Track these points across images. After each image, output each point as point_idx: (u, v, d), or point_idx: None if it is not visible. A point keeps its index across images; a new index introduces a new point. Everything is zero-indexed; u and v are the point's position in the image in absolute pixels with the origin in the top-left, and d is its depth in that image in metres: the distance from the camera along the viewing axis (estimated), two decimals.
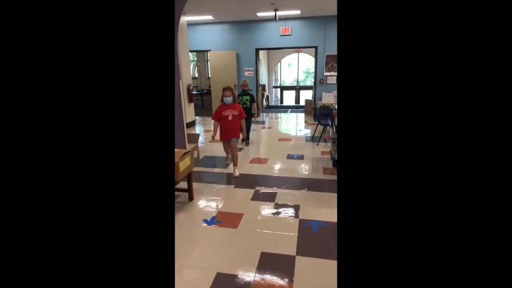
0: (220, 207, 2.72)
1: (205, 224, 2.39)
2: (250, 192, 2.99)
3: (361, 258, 0.66)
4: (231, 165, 3.64)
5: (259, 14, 6.23)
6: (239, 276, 1.77)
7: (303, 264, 1.87)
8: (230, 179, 3.39)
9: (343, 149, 0.69)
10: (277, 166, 3.77)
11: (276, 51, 9.10)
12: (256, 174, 3.50)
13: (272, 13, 5.90)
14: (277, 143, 4.97)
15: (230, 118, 3.33)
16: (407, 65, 0.63)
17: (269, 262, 1.88)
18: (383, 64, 0.64)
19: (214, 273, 1.79)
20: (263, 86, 9.01)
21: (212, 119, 3.53)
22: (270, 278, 1.74)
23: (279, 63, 11.98)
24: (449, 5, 0.60)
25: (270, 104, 10.05)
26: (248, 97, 4.58)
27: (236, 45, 7.13)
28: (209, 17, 6.46)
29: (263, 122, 6.90)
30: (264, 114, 8.07)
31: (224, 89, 3.33)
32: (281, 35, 6.88)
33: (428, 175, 0.63)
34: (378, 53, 0.64)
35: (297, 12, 6.04)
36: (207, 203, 2.80)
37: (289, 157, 4.15)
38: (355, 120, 0.67)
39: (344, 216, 0.68)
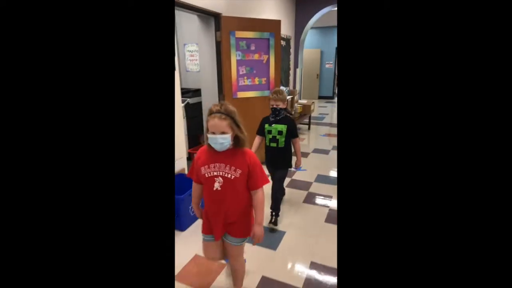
0: None
1: None
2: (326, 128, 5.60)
3: (362, 258, 0.66)
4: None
5: None
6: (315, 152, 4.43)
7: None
8: None
9: (343, 148, 0.69)
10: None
11: None
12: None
13: None
14: None
15: (217, 187, 1.25)
16: (406, 64, 0.62)
17: (318, 153, 4.50)
18: (383, 64, 0.64)
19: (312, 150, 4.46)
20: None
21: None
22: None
23: None
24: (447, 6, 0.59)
25: None
26: (283, 127, 2.12)
27: (321, 45, 9.63)
28: None
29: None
30: None
31: (213, 112, 1.20)
32: None
33: (429, 174, 0.62)
34: (378, 52, 0.64)
35: None
36: None
37: None
38: (356, 118, 0.67)
39: (344, 215, 0.68)
